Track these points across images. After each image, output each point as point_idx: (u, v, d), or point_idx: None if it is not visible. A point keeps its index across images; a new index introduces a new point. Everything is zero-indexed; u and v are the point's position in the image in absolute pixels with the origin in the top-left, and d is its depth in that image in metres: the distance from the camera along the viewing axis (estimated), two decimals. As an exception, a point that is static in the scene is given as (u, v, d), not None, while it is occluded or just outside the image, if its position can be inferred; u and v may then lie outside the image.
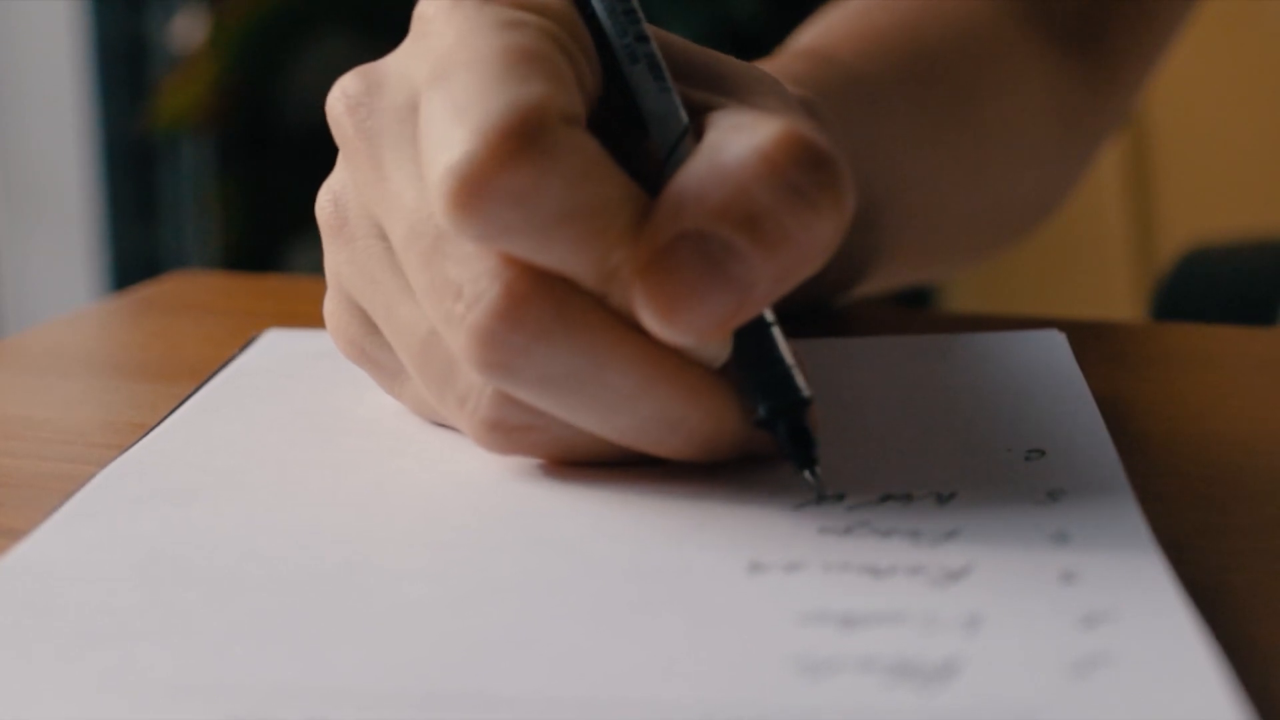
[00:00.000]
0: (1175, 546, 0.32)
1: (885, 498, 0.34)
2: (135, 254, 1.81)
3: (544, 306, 0.32)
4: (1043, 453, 0.36)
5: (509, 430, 0.35)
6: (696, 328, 0.32)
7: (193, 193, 1.78)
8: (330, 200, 0.38)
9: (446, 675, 0.27)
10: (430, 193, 0.31)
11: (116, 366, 0.53)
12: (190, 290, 0.62)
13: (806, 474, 0.34)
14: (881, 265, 0.53)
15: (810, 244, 0.32)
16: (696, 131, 0.34)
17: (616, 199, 0.32)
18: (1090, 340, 0.46)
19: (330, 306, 0.39)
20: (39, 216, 1.82)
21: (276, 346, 0.47)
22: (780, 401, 0.34)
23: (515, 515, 0.34)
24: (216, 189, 1.73)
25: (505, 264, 0.32)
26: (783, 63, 0.48)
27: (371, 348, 0.38)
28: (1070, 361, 0.43)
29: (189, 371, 0.45)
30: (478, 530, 0.33)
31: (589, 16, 0.36)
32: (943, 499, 0.34)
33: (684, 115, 0.35)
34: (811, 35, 0.57)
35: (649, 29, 0.36)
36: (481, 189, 0.30)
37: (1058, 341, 0.44)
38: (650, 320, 0.32)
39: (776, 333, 0.35)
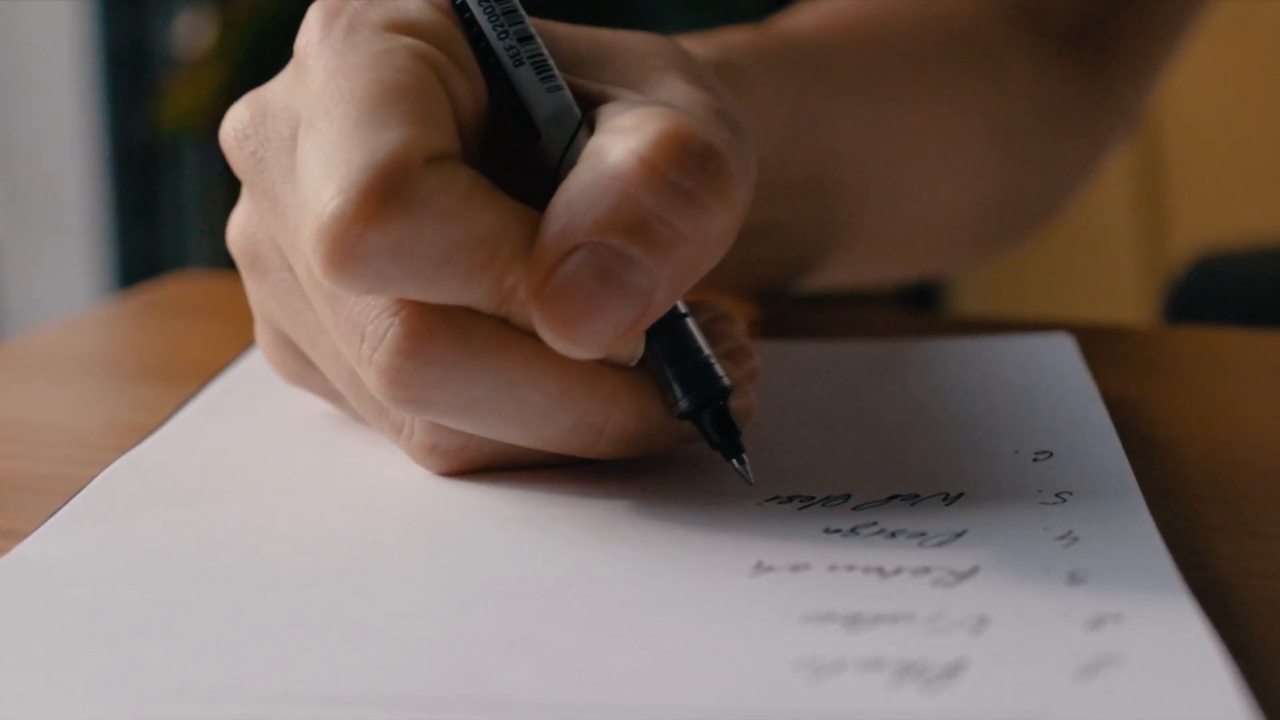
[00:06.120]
0: (1184, 549, 0.31)
1: (892, 498, 0.34)
2: (138, 257, 1.81)
3: (447, 338, 0.32)
4: (1051, 454, 0.36)
5: (446, 452, 0.35)
6: (600, 341, 0.31)
7: (196, 196, 1.78)
8: (240, 233, 0.37)
9: (448, 679, 0.27)
10: (306, 252, 0.31)
11: (118, 369, 0.53)
12: (192, 292, 0.61)
13: (734, 463, 0.34)
14: (842, 248, 0.52)
15: (702, 241, 0.31)
16: (590, 125, 0.33)
17: (498, 227, 0.31)
18: (1099, 344, 0.45)
19: (263, 339, 0.39)
20: (42, 219, 1.82)
21: (279, 348, 0.46)
22: (702, 392, 0.34)
23: (516, 518, 0.33)
24: (220, 192, 1.72)
25: (402, 300, 0.32)
26: (721, 32, 0.47)
27: (309, 376, 0.38)
28: (1079, 364, 0.42)
29: (191, 374, 0.45)
30: (478, 533, 0.33)
31: (469, 22, 0.34)
32: (950, 499, 0.33)
33: (576, 112, 0.34)
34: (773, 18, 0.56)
35: (532, 24, 0.35)
36: (353, 248, 0.30)
37: (1066, 345, 0.44)
38: (552, 340, 0.31)
39: (690, 324, 0.34)
